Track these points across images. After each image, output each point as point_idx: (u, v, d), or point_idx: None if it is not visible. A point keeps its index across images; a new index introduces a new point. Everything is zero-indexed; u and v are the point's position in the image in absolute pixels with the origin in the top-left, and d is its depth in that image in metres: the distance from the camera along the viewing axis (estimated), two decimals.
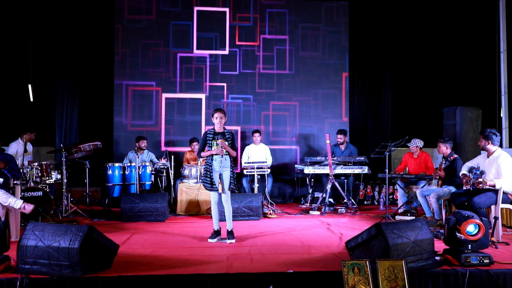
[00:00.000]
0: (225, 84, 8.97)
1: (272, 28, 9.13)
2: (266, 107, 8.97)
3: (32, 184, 6.18)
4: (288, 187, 8.73)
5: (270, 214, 6.81)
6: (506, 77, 8.54)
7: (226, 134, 4.99)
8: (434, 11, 8.91)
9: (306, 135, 8.93)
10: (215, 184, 4.92)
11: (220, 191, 5.00)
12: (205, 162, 5.02)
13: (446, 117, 8.20)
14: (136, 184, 7.11)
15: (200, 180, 6.86)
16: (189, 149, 8.10)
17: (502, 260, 3.95)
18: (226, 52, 9.03)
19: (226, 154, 4.93)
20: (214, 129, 5.03)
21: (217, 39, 9.08)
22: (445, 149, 6.03)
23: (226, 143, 4.91)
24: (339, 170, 7.31)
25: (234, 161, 5.16)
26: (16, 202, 4.91)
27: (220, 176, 4.97)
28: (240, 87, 9.00)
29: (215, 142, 4.91)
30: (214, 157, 4.93)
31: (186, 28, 9.04)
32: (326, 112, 8.98)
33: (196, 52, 9.01)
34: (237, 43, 9.09)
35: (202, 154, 5.01)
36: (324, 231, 5.63)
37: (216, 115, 4.99)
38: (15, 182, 5.43)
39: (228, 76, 9.00)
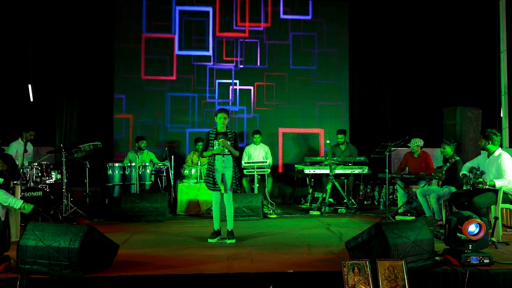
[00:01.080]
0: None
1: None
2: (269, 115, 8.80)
3: (32, 184, 6.18)
4: (288, 187, 8.72)
5: (270, 214, 6.80)
6: (506, 77, 8.52)
7: (228, 134, 4.98)
8: (434, 10, 8.90)
9: (306, 135, 8.92)
10: (217, 184, 4.92)
11: (222, 191, 5.00)
12: (208, 162, 5.01)
13: (446, 117, 8.19)
14: (136, 184, 7.11)
15: (203, 180, 6.86)
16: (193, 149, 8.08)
17: (502, 260, 3.95)
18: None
19: (228, 154, 4.93)
20: (216, 129, 5.03)
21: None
22: (450, 150, 6.03)
23: (228, 143, 4.90)
24: (339, 170, 7.30)
25: (237, 161, 5.13)
26: (16, 202, 4.91)
27: (222, 176, 4.96)
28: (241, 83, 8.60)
29: (216, 142, 4.90)
30: (216, 157, 4.92)
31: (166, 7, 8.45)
32: (326, 112, 8.96)
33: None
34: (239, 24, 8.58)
35: (204, 154, 5.01)
36: (324, 231, 5.63)
37: (219, 115, 4.98)
38: (14, 182, 5.43)
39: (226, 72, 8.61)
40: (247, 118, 8.75)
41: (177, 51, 8.57)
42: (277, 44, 8.81)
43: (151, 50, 8.61)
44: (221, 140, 4.88)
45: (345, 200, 7.33)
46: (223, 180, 4.96)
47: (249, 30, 8.71)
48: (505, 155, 4.98)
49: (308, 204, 7.70)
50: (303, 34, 8.85)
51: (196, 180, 7.14)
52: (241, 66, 8.77)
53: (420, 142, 6.87)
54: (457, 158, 5.86)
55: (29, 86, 8.28)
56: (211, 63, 8.67)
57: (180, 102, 8.65)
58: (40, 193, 6.01)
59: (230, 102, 8.70)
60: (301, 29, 8.83)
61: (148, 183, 7.38)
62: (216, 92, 8.72)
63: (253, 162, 7.30)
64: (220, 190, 4.96)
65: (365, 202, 8.23)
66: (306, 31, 8.88)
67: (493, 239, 4.67)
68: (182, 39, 8.60)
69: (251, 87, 8.80)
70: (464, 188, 5.23)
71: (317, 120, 8.92)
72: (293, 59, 8.92)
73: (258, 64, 8.78)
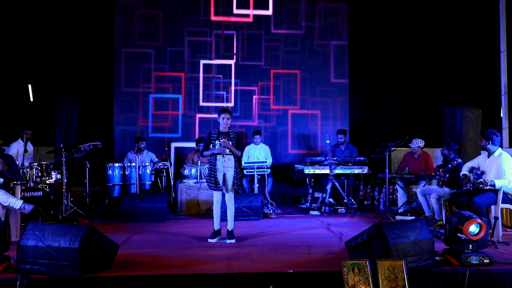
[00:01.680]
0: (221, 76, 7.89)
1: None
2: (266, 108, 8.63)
3: (32, 184, 6.18)
4: (288, 187, 8.71)
5: (270, 214, 6.81)
6: (506, 77, 8.53)
7: (230, 134, 4.98)
8: (434, 11, 8.91)
9: (306, 135, 8.91)
10: (219, 184, 4.92)
11: (224, 191, 5.00)
12: (209, 162, 5.02)
13: (446, 117, 8.20)
14: (136, 184, 7.11)
15: (203, 180, 6.87)
16: (195, 148, 8.00)
17: (502, 260, 3.95)
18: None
19: (230, 154, 4.93)
20: (218, 128, 5.03)
21: None
22: (448, 153, 6.02)
23: (230, 143, 4.90)
24: (339, 170, 7.30)
25: (239, 161, 5.13)
26: (16, 202, 4.91)
27: (224, 176, 4.97)
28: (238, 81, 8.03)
29: (218, 142, 4.91)
30: (218, 157, 4.92)
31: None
32: (326, 112, 8.94)
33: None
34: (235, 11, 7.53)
35: (205, 153, 5.02)
36: (324, 231, 5.63)
37: (222, 115, 4.98)
38: (14, 182, 5.43)
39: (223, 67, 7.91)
40: (249, 125, 8.23)
41: (162, 43, 7.65)
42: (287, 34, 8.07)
43: (130, 43, 7.71)
44: (222, 140, 4.88)
45: (345, 200, 7.33)
46: (224, 180, 4.97)
47: (254, 16, 7.76)
48: (505, 155, 4.98)
49: (308, 204, 7.70)
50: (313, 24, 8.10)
51: (196, 180, 7.14)
52: (242, 63, 8.25)
53: (421, 143, 6.87)
54: (459, 160, 5.84)
55: (29, 86, 8.28)
56: (207, 59, 7.96)
57: (165, 106, 8.02)
58: (40, 193, 6.00)
59: (230, 107, 8.10)
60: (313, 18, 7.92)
61: (148, 183, 7.38)
62: (213, 94, 8.25)
63: (253, 162, 7.29)
64: (221, 190, 4.96)
65: (365, 202, 8.24)
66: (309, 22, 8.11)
67: (493, 239, 4.67)
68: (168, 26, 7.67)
69: (255, 88, 8.54)
70: (464, 188, 5.23)
71: (317, 120, 8.90)
72: (303, 54, 8.35)
73: (263, 60, 8.19)
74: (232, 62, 8.08)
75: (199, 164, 7.18)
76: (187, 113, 7.89)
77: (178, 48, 7.81)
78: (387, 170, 6.09)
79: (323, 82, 8.81)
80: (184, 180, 7.22)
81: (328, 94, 8.86)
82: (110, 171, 7.24)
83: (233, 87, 8.47)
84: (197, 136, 8.16)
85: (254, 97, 8.42)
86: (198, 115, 7.84)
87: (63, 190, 6.56)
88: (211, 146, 4.98)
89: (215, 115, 7.45)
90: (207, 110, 8.03)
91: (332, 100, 8.84)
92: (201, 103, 7.97)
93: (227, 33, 7.66)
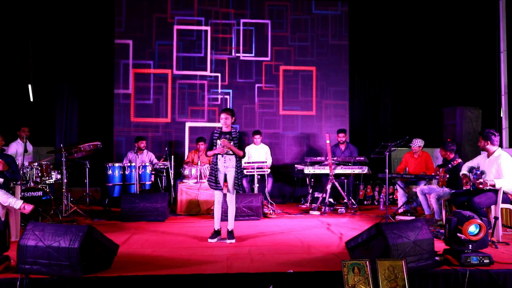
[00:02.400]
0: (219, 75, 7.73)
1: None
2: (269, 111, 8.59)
3: (32, 184, 6.18)
4: (288, 187, 8.71)
5: (270, 214, 6.81)
6: (506, 77, 8.54)
7: (232, 133, 4.99)
8: (434, 11, 8.91)
9: (306, 135, 8.91)
10: (219, 184, 4.93)
11: (225, 191, 5.00)
12: (211, 162, 5.03)
13: (446, 117, 8.20)
14: (136, 184, 7.11)
15: (203, 180, 6.88)
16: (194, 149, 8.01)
17: (502, 260, 3.95)
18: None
19: (231, 154, 4.93)
20: (221, 128, 5.04)
21: None
22: (449, 154, 6.03)
23: (232, 142, 4.90)
24: (339, 170, 7.31)
25: (241, 161, 5.11)
26: (16, 202, 4.91)
27: (225, 176, 4.97)
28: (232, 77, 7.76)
29: (219, 142, 4.92)
30: (219, 156, 4.94)
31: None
32: (326, 112, 8.94)
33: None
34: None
35: (208, 153, 5.04)
36: (324, 231, 5.63)
37: (222, 115, 5.00)
38: (14, 182, 5.43)
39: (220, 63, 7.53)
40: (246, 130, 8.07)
41: (146, 33, 7.11)
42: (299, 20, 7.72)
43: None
44: (221, 140, 4.89)
45: (345, 200, 7.33)
46: (226, 180, 4.97)
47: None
48: (504, 155, 4.98)
49: (308, 204, 7.70)
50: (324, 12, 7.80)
51: (196, 180, 7.14)
52: (243, 58, 7.95)
53: (421, 142, 6.87)
54: (459, 160, 5.84)
55: (29, 86, 8.28)
56: (202, 54, 7.48)
57: (147, 112, 7.59)
58: (40, 193, 6.01)
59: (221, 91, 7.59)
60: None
61: (148, 183, 7.38)
62: (208, 96, 7.93)
63: (253, 162, 7.29)
64: (222, 189, 4.96)
65: (365, 202, 8.23)
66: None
67: (493, 239, 4.67)
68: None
69: (255, 88, 8.45)
70: (464, 188, 5.23)
71: (317, 120, 8.90)
72: (312, 49, 8.14)
73: (269, 56, 7.92)
74: (232, 57, 7.61)
75: (199, 164, 7.18)
76: (178, 119, 7.31)
77: (166, 41, 7.07)
78: (387, 170, 6.10)
79: (326, 81, 8.82)
80: (184, 180, 7.22)
81: (329, 92, 8.87)
82: (110, 171, 7.25)
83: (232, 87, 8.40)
84: (186, 152, 8.04)
85: (256, 98, 8.33)
86: (188, 124, 7.13)
87: (63, 190, 6.56)
88: (214, 147, 4.99)
89: (210, 124, 7.34)
90: (202, 114, 7.60)
91: (333, 98, 8.85)
92: (196, 104, 7.47)
93: (226, 22, 6.97)
